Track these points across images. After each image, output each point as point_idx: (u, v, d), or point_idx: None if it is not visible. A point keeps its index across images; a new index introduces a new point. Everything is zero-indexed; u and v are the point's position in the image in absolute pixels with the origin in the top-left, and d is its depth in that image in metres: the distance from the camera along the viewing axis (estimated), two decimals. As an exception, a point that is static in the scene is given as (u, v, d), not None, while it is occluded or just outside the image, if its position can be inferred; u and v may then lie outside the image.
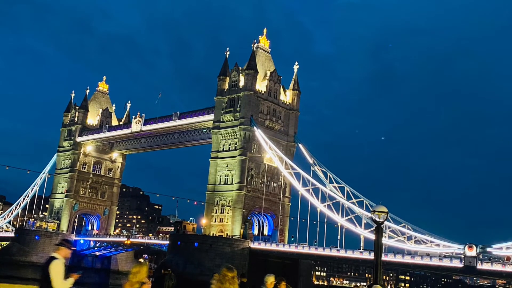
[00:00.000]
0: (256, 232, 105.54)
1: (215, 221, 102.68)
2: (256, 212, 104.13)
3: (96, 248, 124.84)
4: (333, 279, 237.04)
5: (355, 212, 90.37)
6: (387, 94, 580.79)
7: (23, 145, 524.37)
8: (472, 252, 71.81)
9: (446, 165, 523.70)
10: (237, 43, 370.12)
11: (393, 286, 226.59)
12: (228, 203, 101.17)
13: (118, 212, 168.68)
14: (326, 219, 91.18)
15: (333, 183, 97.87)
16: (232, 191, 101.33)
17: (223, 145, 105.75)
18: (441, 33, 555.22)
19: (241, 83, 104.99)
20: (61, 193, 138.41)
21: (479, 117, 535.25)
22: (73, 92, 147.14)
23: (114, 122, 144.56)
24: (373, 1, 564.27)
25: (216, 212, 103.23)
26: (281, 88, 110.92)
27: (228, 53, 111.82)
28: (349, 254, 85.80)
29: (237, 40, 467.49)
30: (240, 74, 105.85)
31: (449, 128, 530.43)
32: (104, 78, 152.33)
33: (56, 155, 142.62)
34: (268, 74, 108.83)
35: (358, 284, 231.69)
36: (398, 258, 78.87)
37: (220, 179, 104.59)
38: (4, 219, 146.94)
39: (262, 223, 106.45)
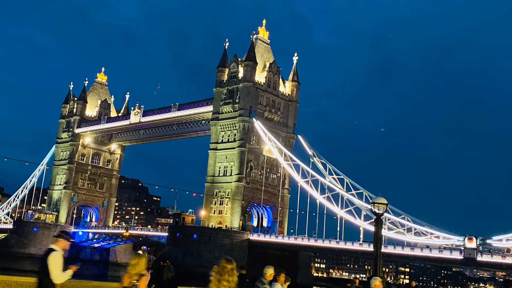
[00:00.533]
0: (255, 224, 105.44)
1: (214, 213, 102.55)
2: (255, 204, 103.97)
3: (95, 240, 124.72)
4: (332, 271, 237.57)
5: (354, 203, 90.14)
6: (387, 85, 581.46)
7: (22, 135, 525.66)
8: (472, 244, 71.64)
9: (446, 157, 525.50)
10: (236, 34, 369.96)
11: (392, 278, 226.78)
12: (227, 195, 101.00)
13: (116, 204, 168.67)
14: (326, 211, 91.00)
15: (333, 175, 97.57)
16: (231, 182, 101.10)
17: (222, 137, 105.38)
18: (441, 24, 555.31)
19: (240, 75, 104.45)
20: (60, 184, 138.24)
21: (479, 109, 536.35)
22: (71, 83, 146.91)
23: (113, 113, 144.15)
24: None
25: (215, 204, 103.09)
26: (281, 79, 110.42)
27: (227, 44, 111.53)
28: (349, 246, 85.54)
29: (236, 31, 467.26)
30: (239, 66, 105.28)
31: (449, 119, 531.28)
32: (103, 69, 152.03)
33: (54, 147, 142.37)
34: (268, 65, 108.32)
35: (357, 276, 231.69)
36: (398, 250, 78.62)
37: (219, 170, 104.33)
38: (3, 210, 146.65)
39: (261, 215, 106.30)
